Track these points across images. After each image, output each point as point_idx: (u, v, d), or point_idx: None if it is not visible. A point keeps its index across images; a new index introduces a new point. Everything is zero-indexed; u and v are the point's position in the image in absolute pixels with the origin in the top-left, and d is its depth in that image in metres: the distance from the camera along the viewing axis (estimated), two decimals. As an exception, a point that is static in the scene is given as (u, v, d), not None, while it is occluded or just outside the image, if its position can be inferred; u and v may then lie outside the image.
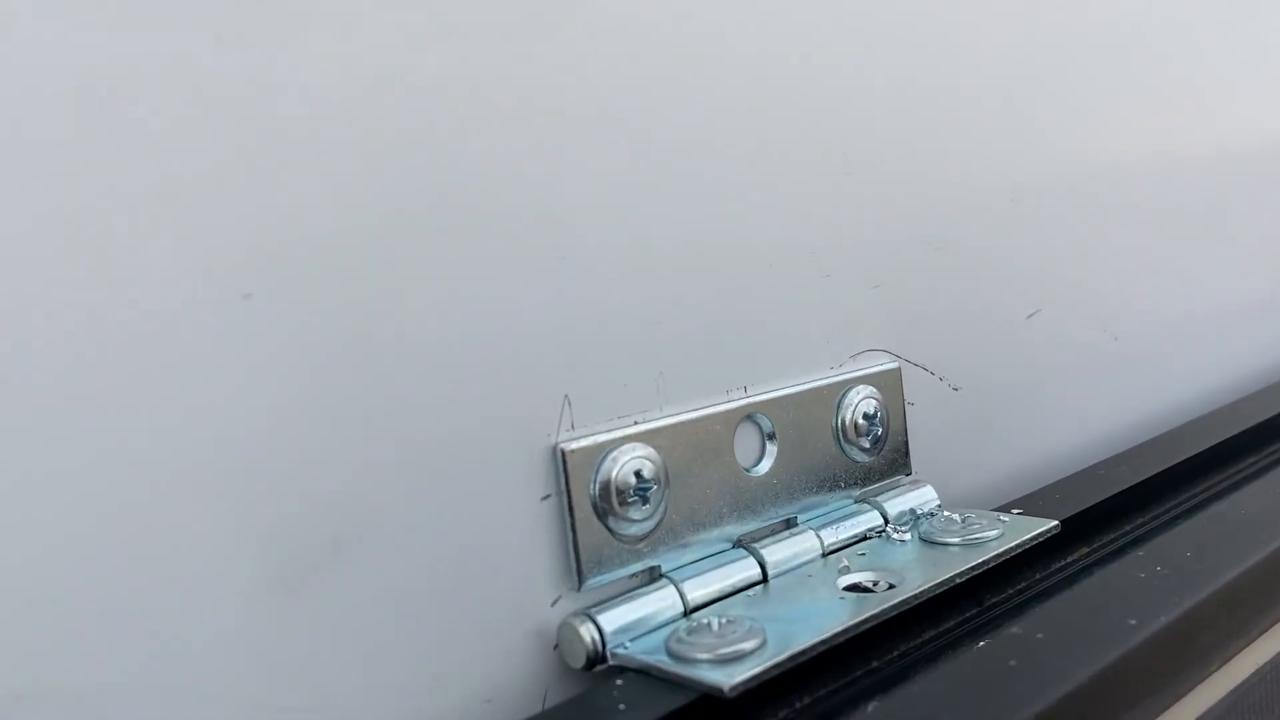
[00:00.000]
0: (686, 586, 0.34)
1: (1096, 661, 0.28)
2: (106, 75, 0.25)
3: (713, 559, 0.35)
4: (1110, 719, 0.28)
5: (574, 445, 0.32)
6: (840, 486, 0.40)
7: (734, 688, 0.28)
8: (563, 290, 0.32)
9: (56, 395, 0.24)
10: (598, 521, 0.33)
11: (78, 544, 0.24)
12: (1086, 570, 0.38)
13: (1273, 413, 0.51)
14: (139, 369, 0.25)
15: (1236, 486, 0.43)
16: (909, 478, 0.42)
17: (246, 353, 0.27)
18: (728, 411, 0.36)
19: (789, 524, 0.38)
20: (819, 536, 0.38)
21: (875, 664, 0.34)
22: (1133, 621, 0.30)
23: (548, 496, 0.32)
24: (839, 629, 0.31)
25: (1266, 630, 0.35)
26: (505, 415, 0.31)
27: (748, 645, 0.30)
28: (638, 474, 0.33)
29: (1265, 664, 0.36)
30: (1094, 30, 0.53)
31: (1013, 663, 0.28)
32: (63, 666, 0.24)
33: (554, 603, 0.32)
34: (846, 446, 0.40)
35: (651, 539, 0.34)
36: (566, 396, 0.32)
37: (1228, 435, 0.48)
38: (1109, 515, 0.42)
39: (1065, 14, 0.51)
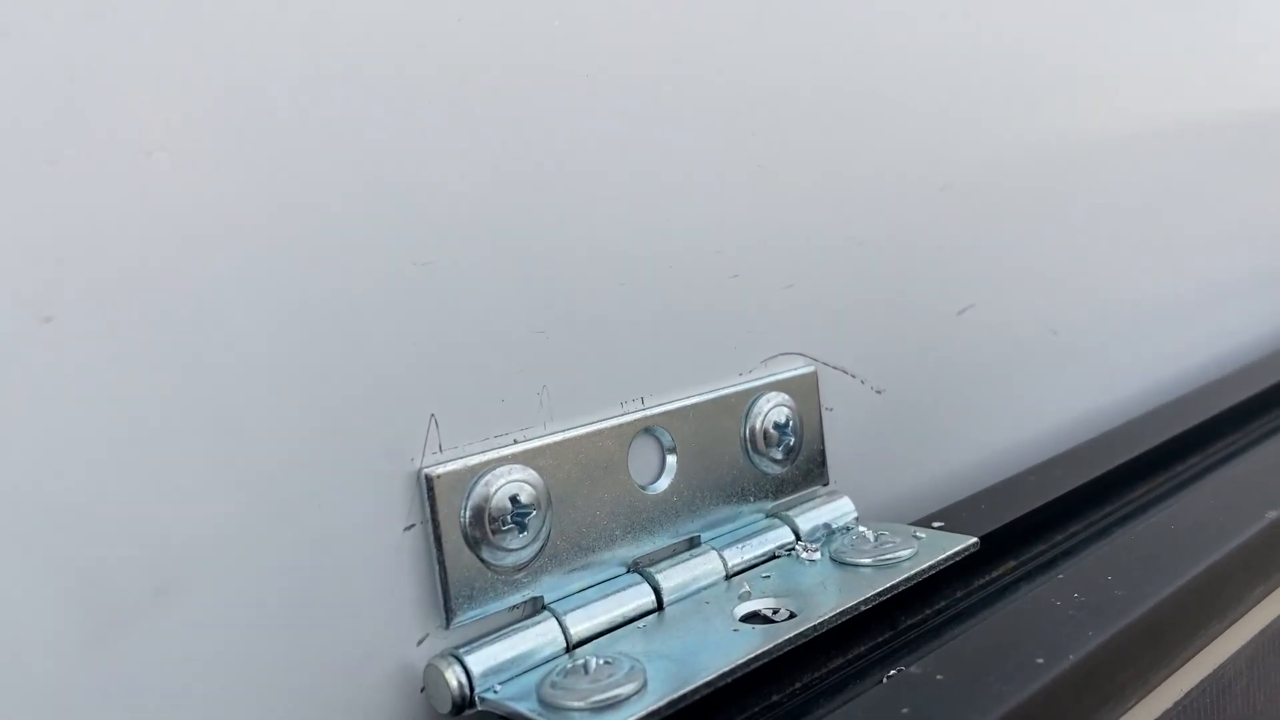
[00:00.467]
0: (570, 619, 0.31)
1: (993, 709, 0.25)
2: None
3: (602, 586, 0.33)
4: (1010, 772, 0.26)
5: (441, 469, 0.29)
6: (750, 500, 0.37)
7: (608, 738, 0.26)
8: (425, 299, 0.29)
9: None
10: (469, 552, 0.30)
11: None
12: (1006, 590, 0.36)
13: (1208, 415, 0.48)
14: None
15: (1168, 494, 0.41)
16: (825, 489, 0.40)
17: (48, 382, 0.24)
18: (621, 425, 0.34)
19: (692, 544, 0.36)
20: (722, 557, 0.35)
21: (775, 698, 0.32)
22: (1040, 660, 0.28)
23: (411, 526, 0.29)
24: (727, 668, 0.29)
25: (1192, 656, 0.33)
26: (360, 438, 0.28)
27: (625, 690, 0.28)
28: (514, 499, 0.30)
29: (1191, 690, 0.34)
30: (1029, 14, 0.50)
31: (905, 710, 0.26)
32: None
33: (420, 641, 0.30)
34: (756, 458, 0.37)
35: (532, 568, 0.31)
36: (433, 416, 0.30)
37: (1161, 440, 0.45)
38: (1035, 529, 0.40)
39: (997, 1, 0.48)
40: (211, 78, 0.26)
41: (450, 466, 0.30)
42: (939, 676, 0.28)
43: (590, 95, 0.33)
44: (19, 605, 0.23)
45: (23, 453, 0.23)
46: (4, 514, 0.23)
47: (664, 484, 0.35)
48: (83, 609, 0.24)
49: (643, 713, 0.27)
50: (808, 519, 0.38)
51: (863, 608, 0.32)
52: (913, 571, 0.34)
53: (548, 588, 0.32)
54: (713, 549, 0.35)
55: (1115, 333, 0.55)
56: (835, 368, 0.41)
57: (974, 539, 0.36)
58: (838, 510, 0.39)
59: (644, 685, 0.28)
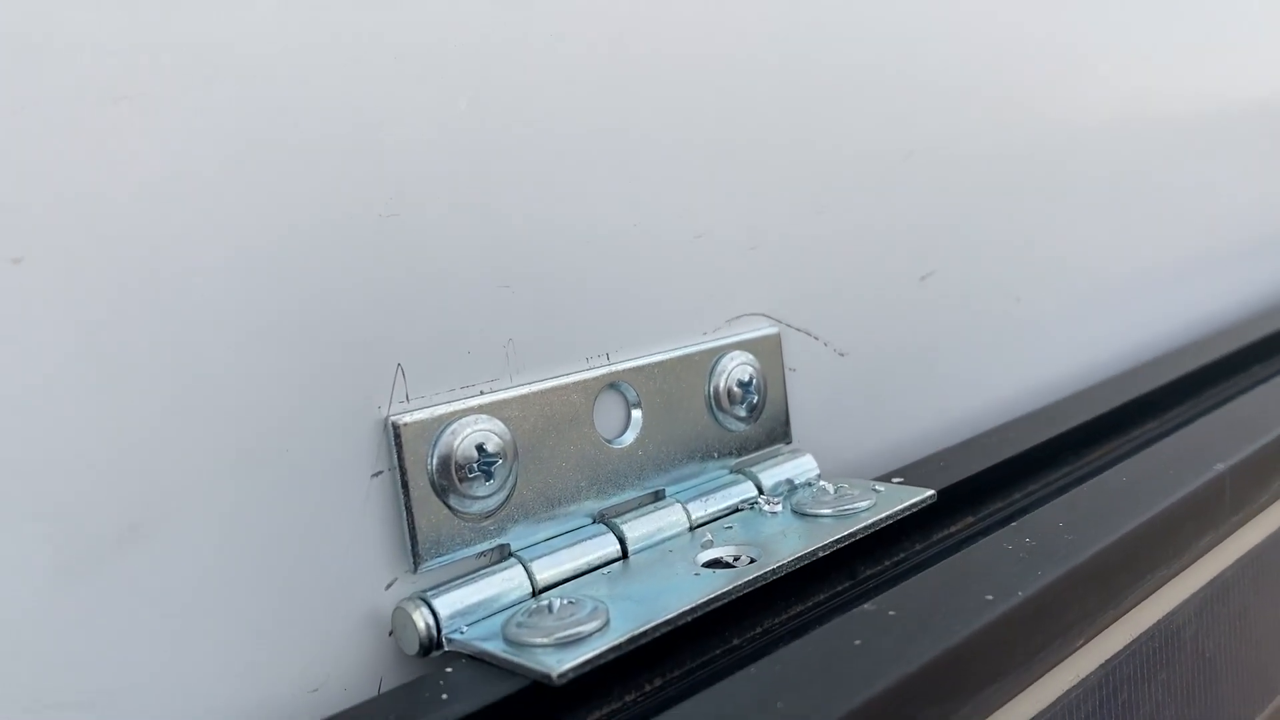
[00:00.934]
0: (536, 566, 0.32)
1: (941, 641, 0.26)
2: None
3: (568, 536, 0.34)
4: (958, 698, 0.27)
5: (408, 418, 0.30)
6: (714, 457, 0.38)
7: (562, 674, 0.27)
8: (391, 250, 0.30)
9: None
10: (436, 499, 0.31)
11: None
12: (964, 541, 0.37)
13: (1163, 382, 0.50)
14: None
15: (1123, 457, 0.42)
16: (788, 447, 0.41)
17: (17, 324, 0.24)
18: (587, 380, 0.35)
19: (657, 496, 0.37)
20: (686, 510, 0.36)
21: (736, 641, 0.33)
22: (990, 598, 0.29)
23: (379, 473, 0.30)
24: (688, 608, 0.30)
25: (1140, 602, 0.34)
26: (327, 385, 0.29)
27: (587, 628, 0.28)
28: (480, 448, 0.31)
29: (1140, 635, 0.35)
30: (995, -18, 0.51)
31: (857, 642, 0.27)
32: None
33: (388, 586, 0.30)
34: (720, 415, 0.38)
35: (498, 516, 0.32)
36: (400, 365, 0.30)
37: (1118, 404, 0.46)
38: (993, 485, 0.41)
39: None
40: (177, 27, 0.26)
41: (417, 415, 0.30)
42: (891, 613, 0.29)
43: (554, 55, 0.34)
44: (-8, 541, 0.24)
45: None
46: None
47: (629, 438, 0.36)
48: (56, 546, 0.25)
49: (604, 648, 0.28)
50: (770, 474, 0.39)
51: (821, 554, 0.33)
52: (870, 521, 0.35)
53: (514, 536, 0.33)
54: (677, 502, 0.36)
55: (1078, 302, 0.56)
56: (799, 329, 0.41)
57: (931, 491, 0.37)
58: (800, 467, 0.40)
59: (606, 623, 0.29)
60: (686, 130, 0.37)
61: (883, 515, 0.35)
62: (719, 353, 0.38)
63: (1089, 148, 0.57)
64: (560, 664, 0.27)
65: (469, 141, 0.32)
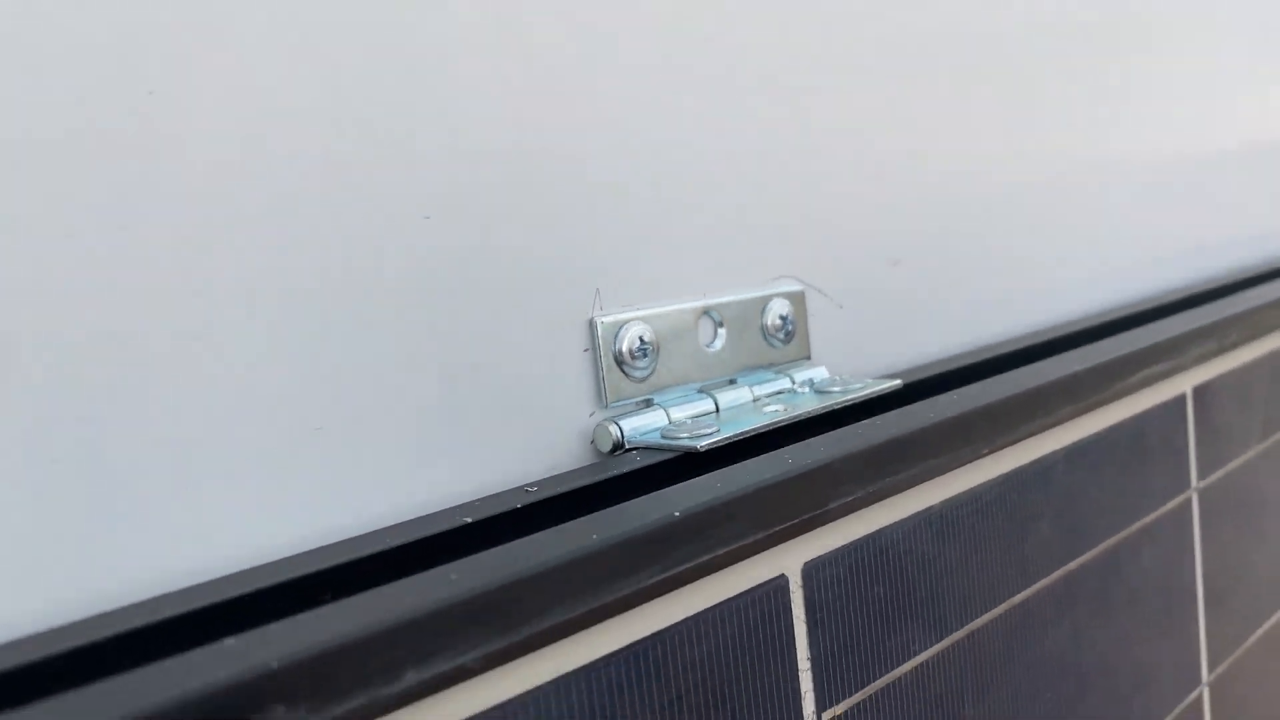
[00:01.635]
0: (670, 410, 0.56)
1: (861, 443, 0.50)
2: (365, 99, 0.45)
3: (686, 398, 0.57)
4: (869, 479, 0.50)
5: (602, 320, 0.54)
6: (765, 364, 0.62)
7: (705, 446, 0.50)
8: (595, 221, 0.54)
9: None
10: (617, 368, 0.54)
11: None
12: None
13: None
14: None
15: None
16: (809, 361, 0.64)
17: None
18: (694, 308, 0.58)
19: (732, 382, 0.60)
20: (751, 390, 0.60)
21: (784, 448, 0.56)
22: (913, 421, 0.52)
23: (586, 350, 0.54)
24: (756, 427, 0.53)
25: (1018, 442, 0.58)
26: (562, 301, 0.52)
27: (709, 430, 0.52)
28: (640, 339, 0.55)
29: (1020, 467, 0.59)
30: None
31: (824, 447, 0.50)
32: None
33: (590, 415, 0.54)
34: (768, 337, 0.62)
35: (649, 382, 0.56)
36: (597, 289, 0.54)
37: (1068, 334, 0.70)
38: (945, 382, 0.64)
39: None
40: None
41: (606, 319, 0.54)
42: (861, 432, 0.52)
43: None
44: (387, 376, 0.47)
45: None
46: (385, 296, 0.47)
47: (717, 345, 0.59)
48: (434, 375, 0.48)
49: (720, 439, 0.51)
50: (799, 374, 0.62)
51: (834, 407, 0.57)
52: (861, 395, 0.59)
53: (657, 393, 0.56)
54: (746, 385, 0.60)
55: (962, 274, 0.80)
56: (814, 288, 0.65)
57: (899, 380, 0.61)
58: (819, 373, 0.63)
59: (718, 431, 0.52)
60: (754, 148, 0.61)
61: (867, 392, 0.59)
62: (767, 299, 0.62)
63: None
64: (700, 443, 0.50)
65: (654, 152, 0.55)
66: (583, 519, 0.40)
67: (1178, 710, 0.73)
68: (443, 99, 0.47)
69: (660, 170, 0.57)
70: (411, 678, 0.31)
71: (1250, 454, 0.81)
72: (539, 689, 0.36)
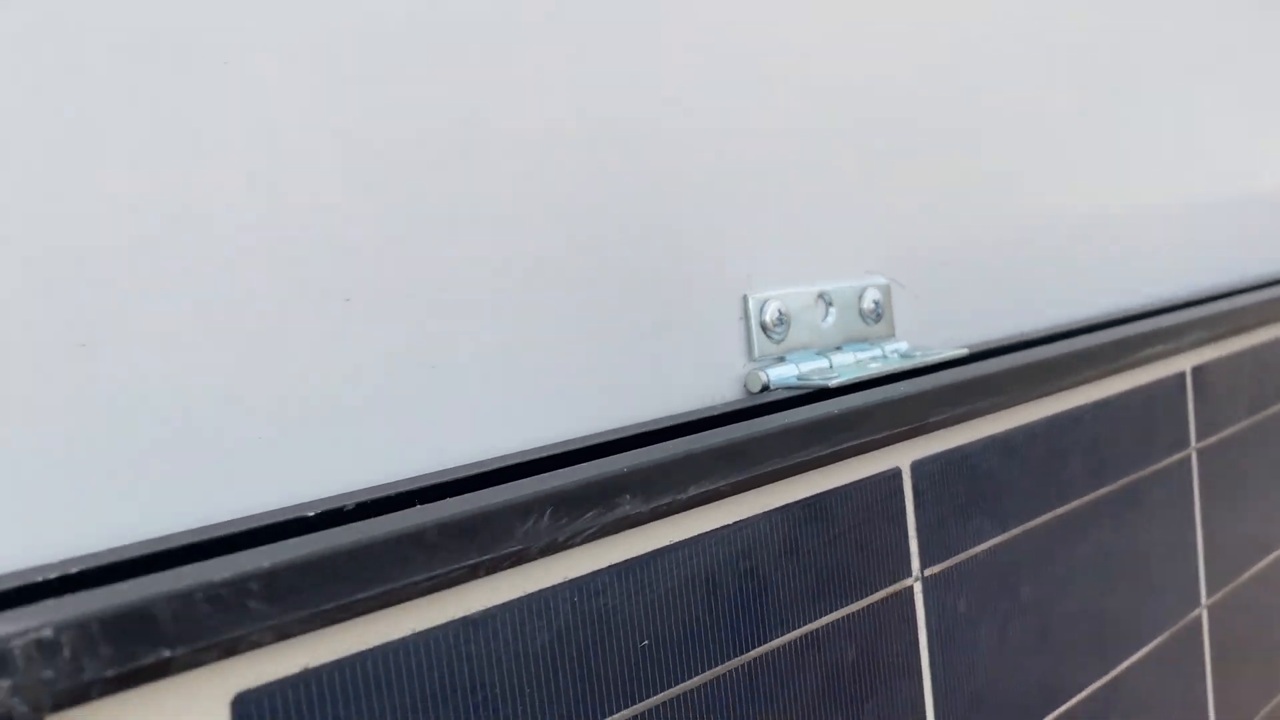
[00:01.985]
0: (801, 366, 0.75)
1: (937, 382, 0.69)
2: None
3: (807, 357, 0.77)
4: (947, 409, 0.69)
5: (753, 296, 0.73)
6: (861, 338, 0.82)
7: (835, 384, 0.69)
8: (747, 225, 0.74)
9: (589, 251, 0.65)
10: (762, 332, 0.74)
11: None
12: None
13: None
14: (611, 245, 0.66)
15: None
16: (894, 337, 0.84)
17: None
18: (813, 292, 0.78)
19: (839, 349, 0.80)
20: (854, 355, 0.79)
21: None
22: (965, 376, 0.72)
23: (742, 318, 0.73)
24: (863, 377, 0.73)
25: (1035, 400, 0.77)
26: (724, 282, 0.72)
27: (834, 376, 0.71)
28: (779, 311, 0.74)
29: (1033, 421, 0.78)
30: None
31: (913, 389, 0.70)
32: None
33: (744, 366, 0.73)
34: (865, 318, 0.82)
35: (783, 345, 0.75)
36: (749, 275, 0.74)
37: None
38: (1001, 349, 0.84)
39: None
40: None
41: (755, 295, 0.74)
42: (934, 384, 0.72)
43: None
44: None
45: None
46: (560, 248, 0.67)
47: (829, 321, 0.79)
48: (622, 316, 0.68)
49: (844, 380, 0.71)
50: (888, 347, 0.82)
51: (918, 365, 0.76)
52: (937, 359, 0.78)
53: (790, 354, 0.76)
54: (850, 352, 0.79)
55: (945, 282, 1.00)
56: (897, 282, 0.85)
57: (966, 349, 0.80)
58: (902, 346, 0.83)
59: (839, 376, 0.72)
60: (868, 200, 0.81)
61: (944, 357, 0.79)
62: (863, 288, 0.82)
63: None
64: (831, 382, 0.70)
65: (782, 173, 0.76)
66: (781, 413, 0.60)
67: (1181, 624, 0.92)
68: (666, 127, 0.68)
69: (796, 192, 0.77)
70: (694, 490, 0.51)
71: (1243, 423, 1.00)
72: (764, 514, 0.56)
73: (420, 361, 0.55)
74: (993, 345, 0.86)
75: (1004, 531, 0.73)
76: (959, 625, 0.67)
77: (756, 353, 0.74)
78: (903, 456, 0.66)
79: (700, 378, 0.71)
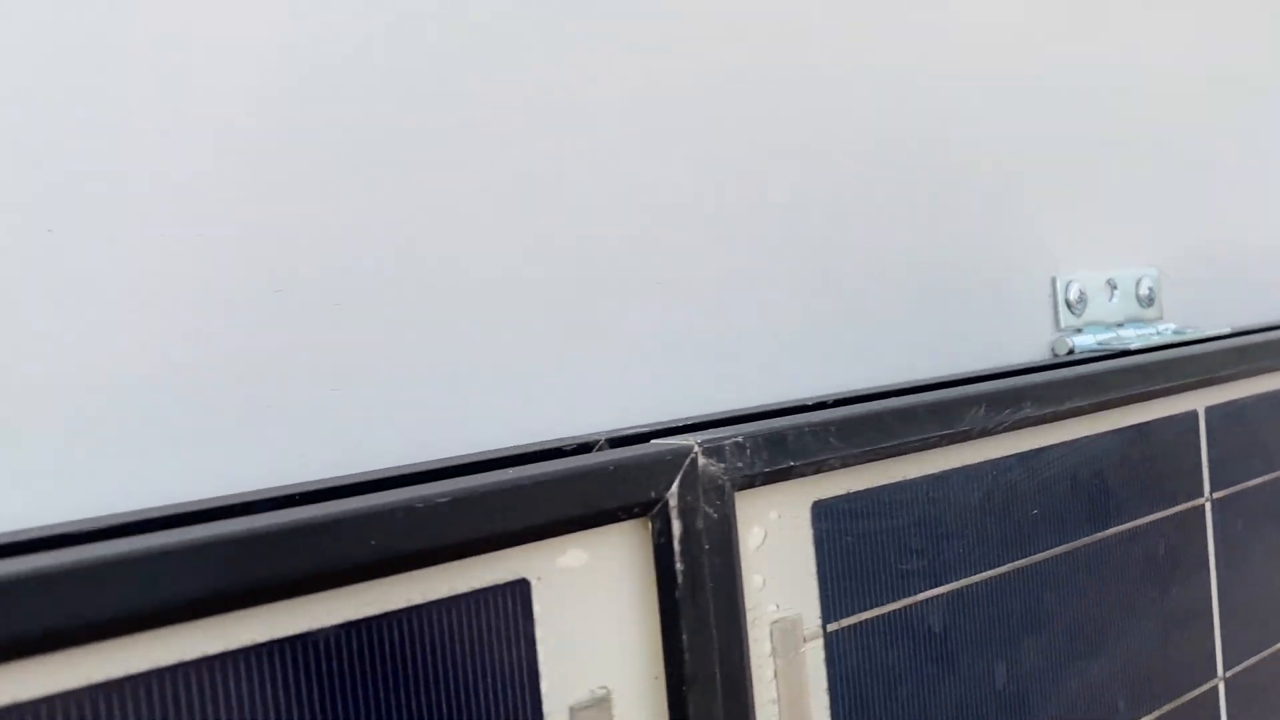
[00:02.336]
0: (1096, 336, 0.93)
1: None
2: None
3: (1100, 331, 0.94)
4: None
5: (1059, 279, 0.92)
6: (1138, 318, 0.99)
7: (1135, 347, 0.87)
8: (1055, 222, 0.92)
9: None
10: (1066, 308, 0.92)
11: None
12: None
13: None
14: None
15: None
16: (1162, 320, 1.01)
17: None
18: (1103, 278, 0.96)
19: (1121, 325, 0.97)
20: (1136, 331, 0.97)
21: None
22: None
23: (1050, 295, 0.92)
24: (1152, 345, 0.90)
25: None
26: (1038, 268, 0.91)
27: (1129, 342, 0.89)
28: (1080, 290, 0.93)
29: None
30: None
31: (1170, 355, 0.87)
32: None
33: (1052, 334, 0.92)
34: (1140, 300, 0.99)
35: (1081, 319, 0.93)
36: (1057, 260, 0.92)
37: None
38: (1261, 329, 1.00)
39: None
40: (1015, 154, 0.90)
41: (1062, 278, 0.92)
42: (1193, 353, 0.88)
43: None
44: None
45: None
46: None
47: (1114, 302, 0.97)
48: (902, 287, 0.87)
49: (1140, 345, 0.88)
50: (1160, 326, 0.99)
51: (1190, 339, 0.93)
52: (1207, 335, 0.95)
53: (1088, 328, 0.94)
54: (1131, 328, 0.97)
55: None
56: (1164, 272, 1.02)
57: (1229, 328, 0.97)
58: (1170, 326, 1.00)
59: (1135, 343, 0.89)
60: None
61: (1208, 335, 0.95)
62: (1139, 277, 0.99)
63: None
64: (1131, 344, 0.88)
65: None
66: (1110, 359, 0.78)
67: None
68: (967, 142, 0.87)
69: (1091, 196, 0.95)
70: (1069, 404, 0.70)
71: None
72: (1109, 433, 0.74)
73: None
74: (1252, 327, 1.02)
75: (1271, 471, 0.89)
76: (1237, 540, 0.84)
77: (1061, 324, 0.92)
78: (1198, 401, 0.83)
79: (1018, 341, 0.90)
